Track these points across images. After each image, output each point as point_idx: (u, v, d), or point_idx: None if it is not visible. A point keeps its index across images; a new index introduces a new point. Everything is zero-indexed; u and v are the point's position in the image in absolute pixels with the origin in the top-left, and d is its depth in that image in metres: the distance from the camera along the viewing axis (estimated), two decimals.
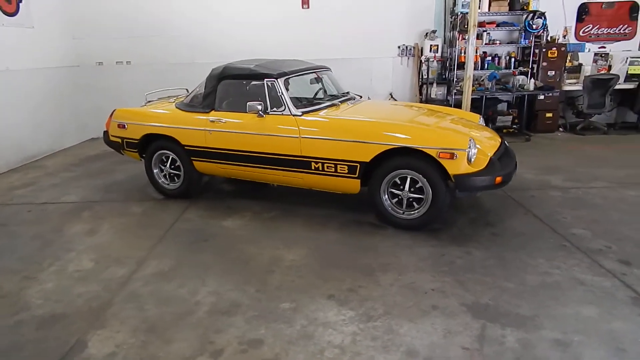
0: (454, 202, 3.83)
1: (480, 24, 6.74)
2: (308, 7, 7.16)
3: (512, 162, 3.64)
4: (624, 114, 7.39)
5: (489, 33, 7.10)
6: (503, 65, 7.25)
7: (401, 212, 3.57)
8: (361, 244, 3.41)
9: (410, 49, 7.39)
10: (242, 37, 7.16)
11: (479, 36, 6.76)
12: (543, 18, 6.74)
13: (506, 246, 3.29)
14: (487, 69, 7.11)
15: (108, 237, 3.69)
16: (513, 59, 7.24)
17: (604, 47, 7.33)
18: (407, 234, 3.50)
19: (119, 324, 2.49)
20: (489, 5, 6.87)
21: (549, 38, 7.04)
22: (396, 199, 3.56)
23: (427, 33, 7.16)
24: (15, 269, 3.17)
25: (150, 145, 4.46)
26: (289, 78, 3.98)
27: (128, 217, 4.10)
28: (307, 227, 3.74)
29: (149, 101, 4.89)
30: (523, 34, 7.01)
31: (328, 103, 4.08)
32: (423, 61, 7.23)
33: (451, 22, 7.13)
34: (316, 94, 4.34)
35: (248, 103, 3.74)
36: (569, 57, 7.15)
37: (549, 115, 7.08)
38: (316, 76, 4.41)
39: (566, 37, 7.22)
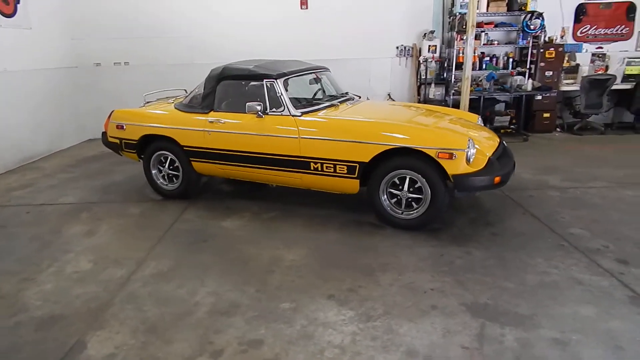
0: (452, 202, 3.84)
1: (479, 25, 6.76)
2: (307, 8, 7.17)
3: (510, 162, 3.65)
4: (621, 114, 7.42)
5: (487, 33, 7.12)
6: (501, 65, 7.26)
7: (400, 212, 3.57)
8: (361, 244, 3.41)
9: (409, 50, 7.41)
10: (241, 37, 7.16)
11: (477, 36, 6.76)
12: (541, 18, 6.76)
13: (505, 246, 3.30)
14: (485, 69, 7.13)
15: (106, 238, 3.69)
16: (511, 60, 7.26)
17: (601, 48, 7.36)
18: (407, 234, 3.51)
19: (119, 325, 2.49)
20: (487, 5, 6.89)
21: (546, 38, 7.06)
22: (395, 199, 3.56)
23: (425, 33, 7.18)
24: (14, 270, 3.16)
25: (149, 146, 4.45)
26: (288, 78, 3.98)
27: (126, 218, 4.09)
28: (307, 227, 3.74)
29: (148, 102, 4.89)
30: (521, 34, 7.03)
31: (327, 103, 4.09)
32: (421, 61, 7.25)
33: (449, 22, 7.15)
34: (315, 94, 4.35)
35: (247, 104, 3.74)
36: (566, 58, 7.18)
37: (546, 115, 7.11)
38: (315, 77, 4.42)
39: (564, 38, 7.24)
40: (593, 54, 7.29)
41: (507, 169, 3.49)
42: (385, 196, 3.59)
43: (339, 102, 4.21)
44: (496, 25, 7.11)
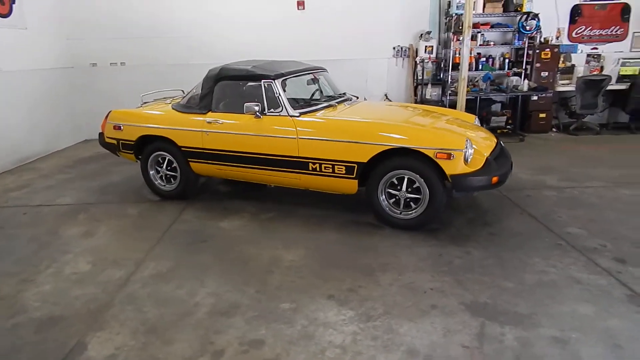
0: (450, 203, 3.85)
1: (475, 25, 6.78)
2: (304, 9, 7.18)
3: (508, 162, 3.68)
4: (616, 114, 7.48)
5: (483, 34, 7.15)
6: (497, 66, 7.30)
7: (398, 212, 3.59)
8: (360, 244, 3.42)
9: (405, 50, 7.43)
10: (238, 38, 7.16)
11: (473, 37, 6.79)
12: (536, 19, 6.80)
13: (504, 246, 3.32)
14: (482, 69, 7.16)
15: (105, 239, 3.67)
16: (507, 60, 7.30)
17: (596, 49, 7.41)
18: (406, 234, 3.52)
19: (119, 326, 2.48)
20: (484, 6, 6.92)
21: (542, 39, 7.11)
22: (394, 199, 3.58)
23: (422, 34, 7.21)
24: (12, 271, 3.15)
25: (147, 146, 4.44)
26: (286, 79, 3.98)
27: (124, 219, 4.08)
28: (306, 228, 3.74)
29: (145, 102, 4.87)
30: (517, 35, 7.07)
31: (325, 104, 4.10)
32: (418, 62, 7.27)
33: (446, 23, 7.18)
34: (313, 94, 4.36)
35: (245, 104, 3.74)
36: (562, 58, 7.23)
37: (542, 115, 7.15)
38: (313, 77, 4.42)
39: (559, 39, 7.29)
40: (588, 55, 7.35)
41: (505, 169, 3.51)
42: (384, 196, 3.60)
43: (337, 102, 4.22)
44: (492, 26, 7.14)
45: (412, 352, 2.21)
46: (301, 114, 3.79)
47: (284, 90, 3.88)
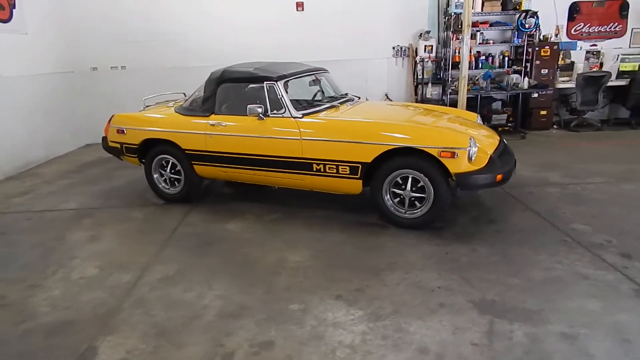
0: (454, 201, 3.86)
1: (474, 24, 6.80)
2: (302, 10, 7.19)
3: (511, 160, 3.69)
4: (617, 110, 7.51)
5: (482, 33, 7.17)
6: (497, 64, 7.32)
7: (403, 211, 3.59)
8: (366, 244, 3.43)
9: (405, 50, 7.45)
10: (238, 40, 7.16)
11: (472, 36, 6.80)
12: (535, 17, 6.83)
13: (509, 243, 3.33)
14: (481, 68, 7.18)
15: (111, 243, 3.68)
16: (506, 58, 7.32)
17: (596, 45, 7.44)
18: (411, 233, 3.53)
19: (129, 330, 2.49)
20: (482, 5, 6.94)
21: (541, 37, 7.14)
22: (398, 199, 3.59)
23: (421, 34, 7.23)
24: (19, 277, 3.15)
25: (150, 150, 4.45)
26: (288, 80, 3.99)
27: (130, 223, 4.08)
28: (311, 229, 3.75)
29: (147, 106, 4.88)
30: (516, 33, 7.10)
31: (328, 105, 4.11)
32: (418, 61, 7.29)
33: (445, 22, 7.20)
34: (315, 95, 4.37)
35: (248, 106, 3.74)
36: (561, 56, 7.26)
37: (543, 113, 7.17)
38: (315, 78, 4.43)
39: (558, 36, 7.31)
40: (587, 52, 7.36)
41: (509, 167, 3.52)
42: (389, 196, 3.61)
43: (339, 103, 4.23)
44: (491, 25, 7.17)
45: (423, 351, 2.21)
46: (304, 115, 3.80)
47: (287, 92, 3.89)
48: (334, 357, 2.20)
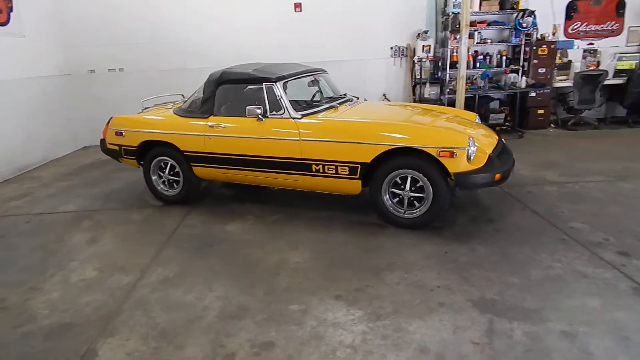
0: (453, 201, 3.87)
1: (471, 24, 6.80)
2: (301, 11, 7.19)
3: (510, 159, 3.69)
4: (614, 108, 7.52)
5: (480, 32, 7.18)
6: (494, 63, 7.33)
7: (402, 211, 3.60)
8: (365, 244, 3.43)
9: (403, 50, 7.46)
10: (236, 41, 7.17)
11: (470, 35, 6.82)
12: (533, 16, 6.85)
13: (508, 242, 3.34)
14: (479, 67, 7.19)
15: (110, 245, 3.68)
16: (504, 57, 7.33)
17: (593, 44, 7.46)
18: (411, 233, 3.54)
19: (129, 332, 2.48)
20: (480, 4, 6.95)
21: (538, 36, 7.14)
22: (397, 199, 3.59)
23: (419, 33, 7.23)
24: (18, 280, 3.14)
25: (149, 152, 4.44)
26: (287, 81, 3.99)
27: (129, 225, 4.08)
28: (311, 229, 3.75)
29: (146, 108, 4.87)
30: (513, 32, 7.11)
31: (327, 105, 4.11)
32: (416, 61, 7.29)
33: (443, 22, 7.21)
34: (314, 96, 4.37)
35: (247, 107, 3.75)
36: (558, 54, 7.28)
37: (540, 111, 7.19)
38: (313, 79, 4.44)
39: (555, 35, 7.33)
40: (584, 50, 7.40)
41: (507, 166, 3.53)
42: (388, 196, 3.61)
43: (338, 103, 4.24)
44: (489, 24, 7.18)
45: (423, 350, 2.22)
46: (303, 115, 3.80)
47: (286, 93, 3.89)
48: (334, 357, 2.20)
